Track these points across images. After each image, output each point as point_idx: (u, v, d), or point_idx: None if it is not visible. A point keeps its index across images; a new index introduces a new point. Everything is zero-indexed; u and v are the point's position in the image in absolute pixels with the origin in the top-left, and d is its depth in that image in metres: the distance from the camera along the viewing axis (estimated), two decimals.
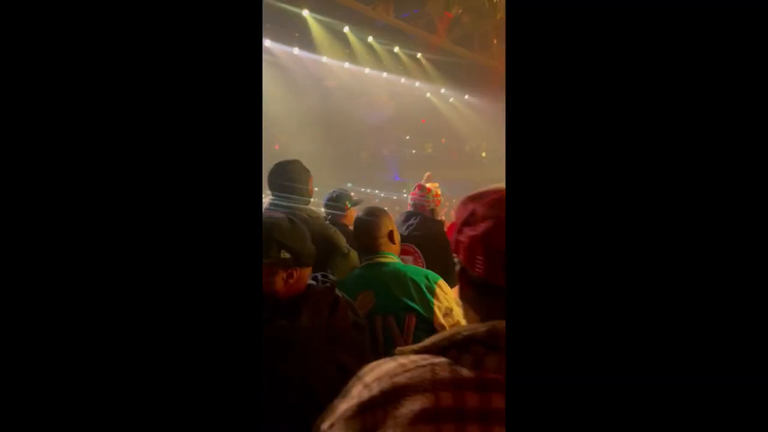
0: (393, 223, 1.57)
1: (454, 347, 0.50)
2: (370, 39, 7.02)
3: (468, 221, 0.55)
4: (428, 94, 10.02)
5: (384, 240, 1.49)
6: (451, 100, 10.40)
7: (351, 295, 1.26)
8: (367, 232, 1.50)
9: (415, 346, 0.53)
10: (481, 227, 0.53)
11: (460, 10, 4.85)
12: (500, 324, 0.49)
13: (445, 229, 2.19)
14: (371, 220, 1.51)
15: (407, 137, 10.18)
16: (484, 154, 11.19)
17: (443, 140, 10.86)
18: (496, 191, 0.56)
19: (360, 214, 1.57)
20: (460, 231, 0.56)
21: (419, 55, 7.99)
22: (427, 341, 0.53)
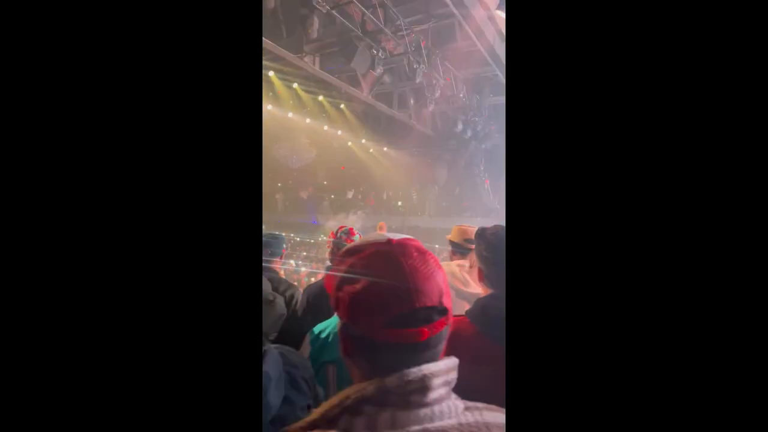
0: None
1: (346, 413, 0.48)
2: (295, 85, 7.17)
3: (347, 278, 0.54)
4: (349, 143, 10.35)
5: None
6: (371, 150, 10.84)
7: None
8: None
9: (302, 422, 0.50)
10: (361, 284, 0.52)
11: (382, 70, 5.26)
12: (387, 380, 0.48)
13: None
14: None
15: (324, 182, 10.32)
16: (399, 203, 11.68)
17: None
18: (372, 244, 0.55)
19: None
20: (339, 288, 0.54)
21: (343, 105, 8.31)
22: (315, 413, 0.50)
